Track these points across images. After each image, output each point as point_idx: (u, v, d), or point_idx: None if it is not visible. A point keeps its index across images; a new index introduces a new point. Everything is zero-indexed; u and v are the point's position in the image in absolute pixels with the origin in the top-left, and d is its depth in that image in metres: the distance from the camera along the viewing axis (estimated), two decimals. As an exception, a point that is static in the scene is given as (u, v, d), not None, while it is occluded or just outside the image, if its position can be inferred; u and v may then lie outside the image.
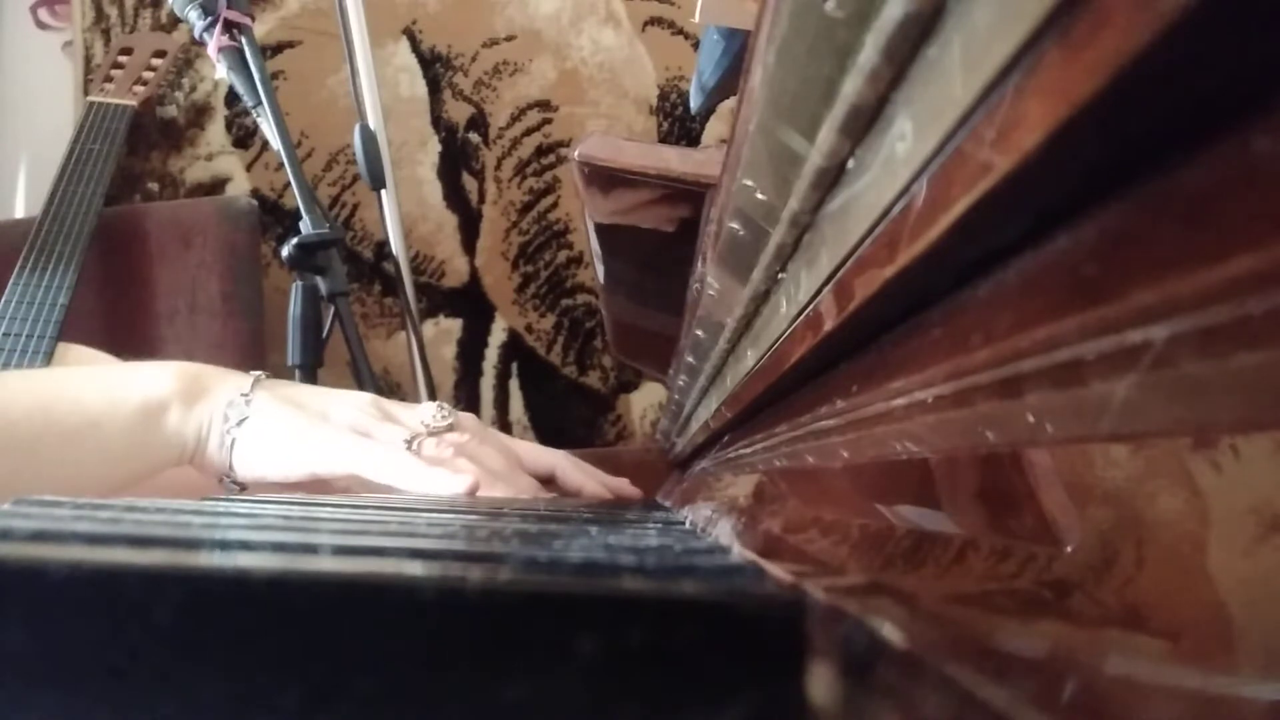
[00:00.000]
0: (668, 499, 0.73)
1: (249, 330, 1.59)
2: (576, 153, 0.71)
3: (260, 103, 1.34)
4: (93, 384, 0.65)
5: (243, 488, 0.67)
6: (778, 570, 0.23)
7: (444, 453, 0.65)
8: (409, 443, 0.65)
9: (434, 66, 1.84)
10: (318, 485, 0.67)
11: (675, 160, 0.68)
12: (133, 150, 1.79)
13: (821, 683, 0.17)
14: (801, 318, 0.28)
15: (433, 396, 1.55)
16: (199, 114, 1.84)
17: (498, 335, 1.81)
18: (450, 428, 0.69)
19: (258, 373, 0.68)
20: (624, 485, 0.75)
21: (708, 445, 0.65)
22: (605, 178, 0.71)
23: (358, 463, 0.64)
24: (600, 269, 0.89)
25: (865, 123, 0.20)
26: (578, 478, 0.72)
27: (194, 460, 0.66)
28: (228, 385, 0.67)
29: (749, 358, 0.38)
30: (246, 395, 0.66)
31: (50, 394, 0.63)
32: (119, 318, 1.55)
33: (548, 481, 0.72)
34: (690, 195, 0.68)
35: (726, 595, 0.17)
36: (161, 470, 0.66)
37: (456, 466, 0.65)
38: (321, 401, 0.68)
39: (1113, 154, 0.13)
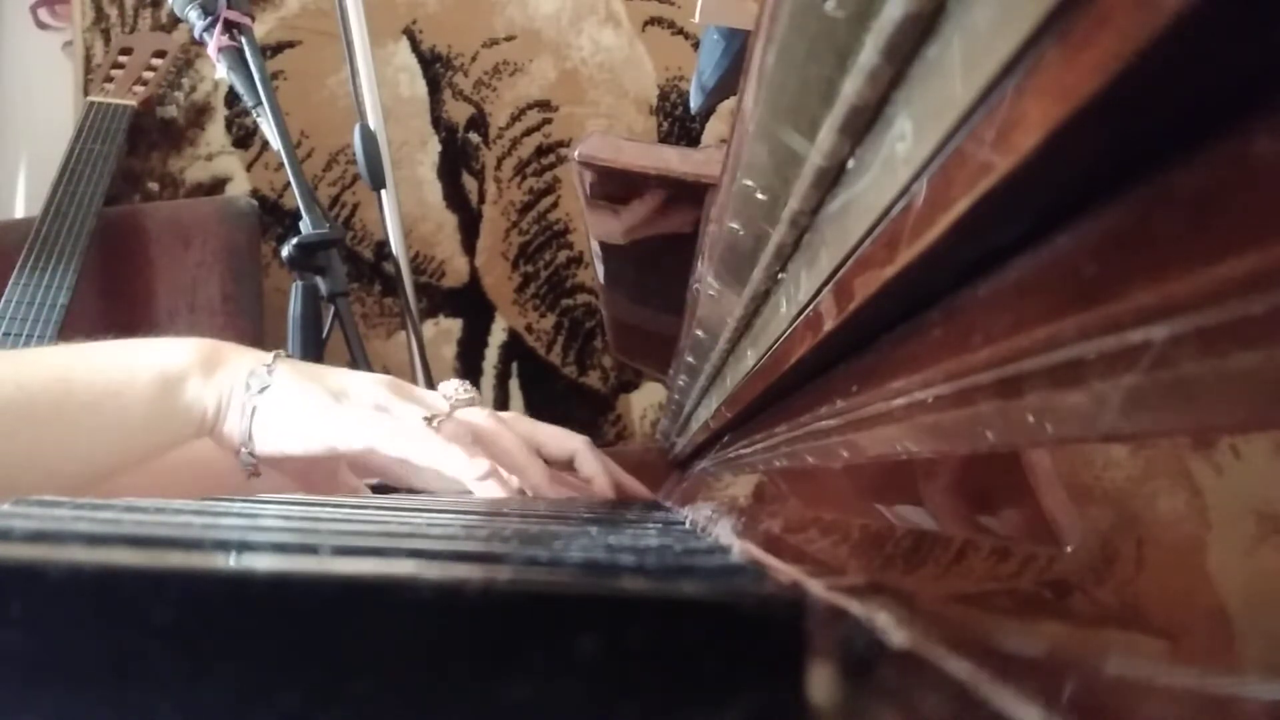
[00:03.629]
0: (668, 499, 0.73)
1: (249, 330, 1.59)
2: (576, 153, 0.71)
3: (260, 103, 1.34)
4: (111, 355, 0.65)
5: (256, 463, 0.67)
6: (778, 570, 0.23)
7: (463, 435, 0.65)
8: (428, 420, 0.65)
9: (434, 66, 1.84)
10: (330, 465, 0.67)
11: (675, 160, 0.68)
12: (133, 150, 1.79)
13: (821, 683, 0.17)
14: (801, 318, 0.28)
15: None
16: (199, 114, 1.84)
17: (498, 335, 1.81)
18: (472, 401, 0.69)
19: (278, 350, 0.69)
20: (637, 487, 0.75)
21: (708, 445, 0.65)
22: (605, 178, 0.71)
23: (375, 436, 0.64)
24: (600, 269, 0.89)
25: (865, 123, 0.20)
26: (594, 466, 0.72)
27: (213, 431, 0.66)
28: (248, 356, 0.67)
29: (749, 358, 0.38)
30: (269, 366, 0.66)
31: (69, 365, 0.63)
32: (119, 318, 1.55)
33: (567, 467, 0.72)
34: (690, 195, 0.68)
35: (726, 595, 0.17)
36: (182, 441, 0.66)
37: (489, 435, 0.65)
38: (342, 379, 0.68)
39: (1112, 154, 0.13)
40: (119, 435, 0.63)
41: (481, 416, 0.69)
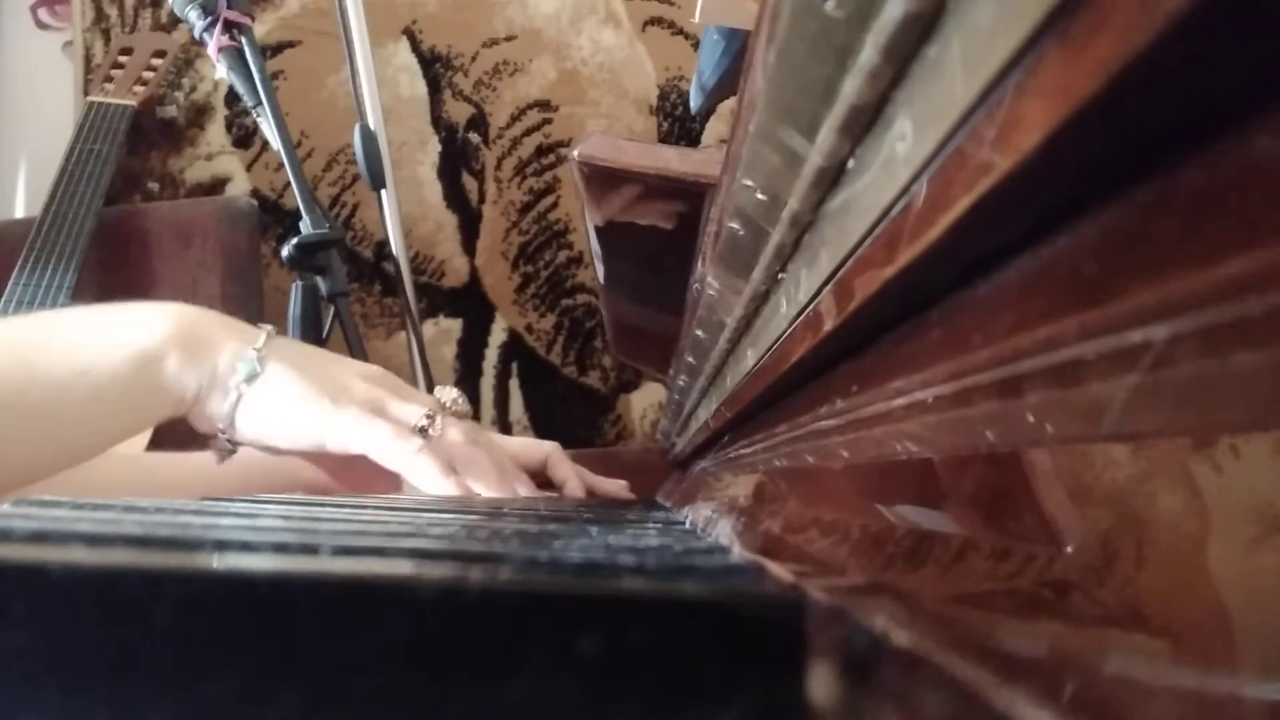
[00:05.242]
0: (668, 499, 0.73)
1: (249, 330, 1.59)
2: (576, 153, 0.71)
3: (260, 103, 1.34)
4: (81, 330, 0.61)
5: (234, 448, 0.64)
6: (778, 570, 0.23)
7: (467, 440, 0.65)
8: (430, 419, 0.64)
9: (434, 66, 1.84)
10: (318, 455, 0.65)
11: (675, 160, 0.68)
12: (133, 150, 1.79)
13: (821, 683, 0.17)
14: (801, 318, 0.28)
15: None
16: (199, 114, 1.84)
17: (498, 335, 1.81)
18: (464, 414, 0.68)
19: (268, 327, 0.65)
20: (611, 485, 0.75)
21: (708, 445, 0.65)
22: (605, 178, 0.71)
23: (370, 446, 0.62)
24: (600, 269, 0.89)
25: (865, 123, 0.20)
26: (566, 470, 0.72)
27: (190, 411, 0.62)
28: (235, 337, 0.63)
29: (749, 358, 0.38)
30: (259, 350, 0.62)
31: (36, 343, 0.59)
32: (119, 318, 1.55)
33: (541, 473, 0.72)
34: (690, 195, 0.68)
35: (726, 595, 0.17)
36: (158, 420, 0.63)
37: (473, 460, 0.64)
38: (338, 371, 0.65)
39: (1112, 154, 0.13)
40: (92, 416, 0.59)
41: (458, 436, 0.66)
